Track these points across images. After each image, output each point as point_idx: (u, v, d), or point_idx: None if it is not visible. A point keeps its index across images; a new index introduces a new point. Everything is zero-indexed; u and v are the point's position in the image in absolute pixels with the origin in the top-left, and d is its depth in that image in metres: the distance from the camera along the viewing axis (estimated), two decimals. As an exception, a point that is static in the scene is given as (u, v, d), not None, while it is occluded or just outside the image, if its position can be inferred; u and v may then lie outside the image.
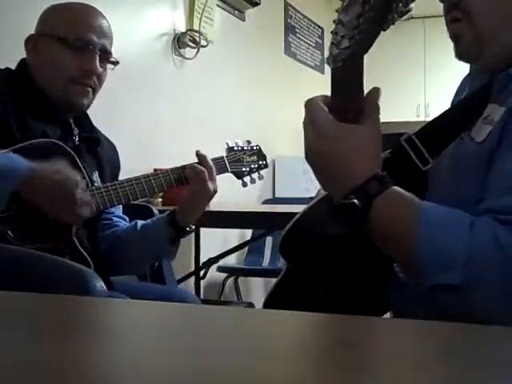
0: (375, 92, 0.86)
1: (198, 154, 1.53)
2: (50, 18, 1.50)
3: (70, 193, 1.29)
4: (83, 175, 1.39)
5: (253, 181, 1.67)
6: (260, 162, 1.69)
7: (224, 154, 1.62)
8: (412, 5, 0.79)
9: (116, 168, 1.63)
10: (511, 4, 0.88)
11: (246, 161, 1.66)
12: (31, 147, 1.35)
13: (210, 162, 1.52)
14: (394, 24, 0.79)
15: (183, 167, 1.53)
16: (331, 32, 0.81)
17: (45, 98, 1.45)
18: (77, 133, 1.51)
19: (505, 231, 0.76)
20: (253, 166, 1.67)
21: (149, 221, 1.59)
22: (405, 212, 0.81)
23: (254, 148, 1.69)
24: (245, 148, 1.67)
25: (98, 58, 1.47)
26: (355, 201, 0.81)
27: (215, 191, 1.52)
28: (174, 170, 1.53)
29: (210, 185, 1.50)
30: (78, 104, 1.48)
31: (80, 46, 1.45)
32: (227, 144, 1.65)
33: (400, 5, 0.78)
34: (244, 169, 1.65)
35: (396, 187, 0.82)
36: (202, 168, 1.50)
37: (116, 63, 1.54)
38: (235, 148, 1.65)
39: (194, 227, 1.56)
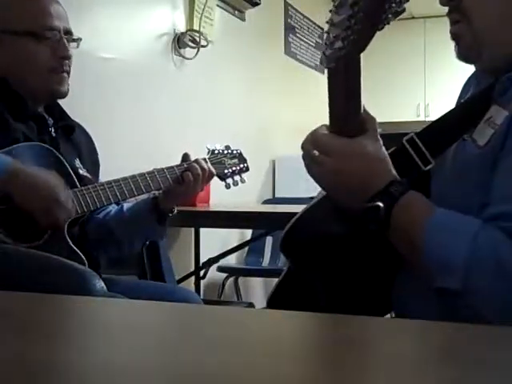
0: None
1: (198, 161, 1.56)
2: (6, 13, 1.47)
3: (54, 195, 1.29)
4: (66, 178, 1.40)
5: (235, 183, 1.70)
6: (241, 165, 1.73)
7: (206, 157, 1.64)
8: (406, 4, 0.79)
9: (94, 153, 1.64)
10: (508, 5, 0.88)
11: (227, 163, 1.69)
12: (16, 151, 1.35)
13: (207, 167, 1.55)
14: (388, 24, 0.79)
15: (179, 166, 1.54)
16: (325, 32, 0.82)
17: (18, 95, 1.44)
18: (52, 123, 1.51)
19: (504, 242, 0.77)
20: (235, 169, 1.70)
21: (133, 204, 1.60)
22: (418, 216, 0.84)
23: (235, 152, 1.73)
24: (225, 152, 1.70)
25: (66, 42, 1.46)
26: (379, 203, 0.82)
27: (202, 190, 1.60)
28: (170, 168, 1.54)
29: (201, 186, 1.55)
30: (61, 92, 1.48)
31: (48, 35, 1.44)
32: (207, 148, 1.68)
33: (393, 5, 0.78)
34: (226, 171, 1.68)
35: (414, 191, 0.85)
36: (200, 171, 1.53)
37: (79, 40, 1.53)
38: (216, 151, 1.68)
39: (175, 211, 1.59)
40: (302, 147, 0.91)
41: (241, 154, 1.74)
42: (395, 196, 0.84)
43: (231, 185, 1.69)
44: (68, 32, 1.48)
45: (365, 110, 0.88)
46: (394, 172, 0.87)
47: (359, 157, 0.86)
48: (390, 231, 0.85)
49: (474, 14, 0.89)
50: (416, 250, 0.83)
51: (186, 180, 1.52)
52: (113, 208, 1.62)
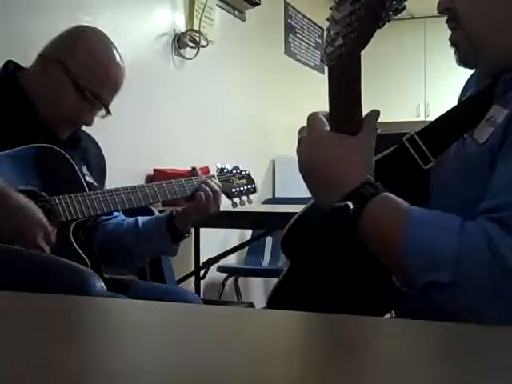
0: (374, 113, 0.88)
1: (208, 182, 1.57)
2: (76, 53, 1.46)
3: (39, 223, 1.27)
4: (73, 180, 1.41)
5: (242, 203, 1.72)
6: (249, 186, 1.75)
7: (215, 174, 1.67)
8: (406, 2, 0.79)
9: (102, 162, 1.66)
10: (499, 10, 0.89)
11: (235, 183, 1.72)
12: (22, 153, 1.35)
13: (215, 186, 1.57)
14: (389, 22, 0.79)
15: (188, 181, 1.57)
16: (325, 29, 0.82)
17: (33, 110, 1.45)
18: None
19: (495, 230, 0.76)
20: (242, 189, 1.73)
21: (149, 220, 1.61)
22: (394, 214, 0.83)
23: (243, 173, 1.75)
24: (234, 171, 1.73)
25: (96, 110, 1.48)
26: (349, 203, 0.82)
27: (217, 210, 1.59)
28: (179, 182, 1.55)
29: (215, 206, 1.57)
30: (61, 135, 1.49)
31: (90, 99, 1.45)
32: (217, 166, 1.71)
33: (394, 2, 0.78)
34: (234, 190, 1.71)
35: (387, 193, 0.84)
36: (210, 192, 1.55)
37: (108, 114, 1.53)
38: (225, 170, 1.71)
39: (191, 232, 1.63)
40: (300, 131, 0.91)
41: (249, 175, 1.77)
42: (366, 196, 0.83)
43: (238, 204, 1.72)
44: (105, 106, 1.50)
45: (374, 121, 0.88)
46: (369, 176, 0.85)
47: (340, 152, 0.86)
48: (360, 231, 0.84)
49: (468, 21, 0.90)
50: (394, 249, 0.82)
51: (196, 198, 1.54)
52: (125, 221, 1.63)
